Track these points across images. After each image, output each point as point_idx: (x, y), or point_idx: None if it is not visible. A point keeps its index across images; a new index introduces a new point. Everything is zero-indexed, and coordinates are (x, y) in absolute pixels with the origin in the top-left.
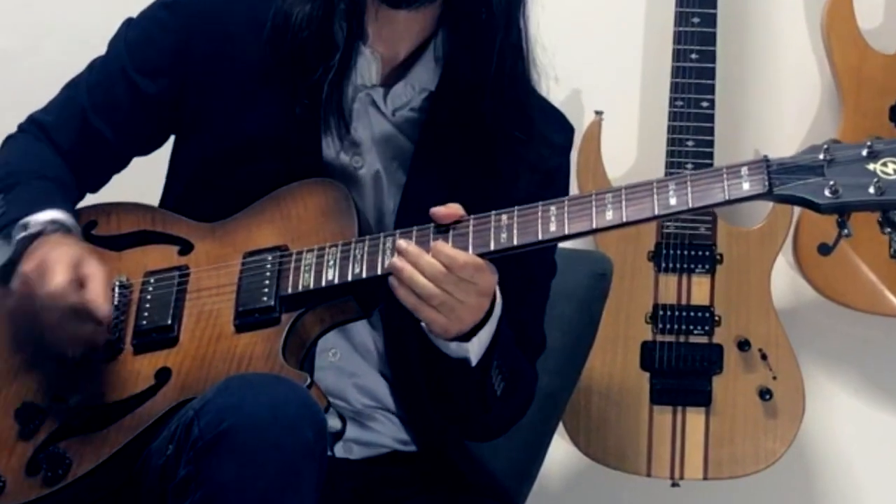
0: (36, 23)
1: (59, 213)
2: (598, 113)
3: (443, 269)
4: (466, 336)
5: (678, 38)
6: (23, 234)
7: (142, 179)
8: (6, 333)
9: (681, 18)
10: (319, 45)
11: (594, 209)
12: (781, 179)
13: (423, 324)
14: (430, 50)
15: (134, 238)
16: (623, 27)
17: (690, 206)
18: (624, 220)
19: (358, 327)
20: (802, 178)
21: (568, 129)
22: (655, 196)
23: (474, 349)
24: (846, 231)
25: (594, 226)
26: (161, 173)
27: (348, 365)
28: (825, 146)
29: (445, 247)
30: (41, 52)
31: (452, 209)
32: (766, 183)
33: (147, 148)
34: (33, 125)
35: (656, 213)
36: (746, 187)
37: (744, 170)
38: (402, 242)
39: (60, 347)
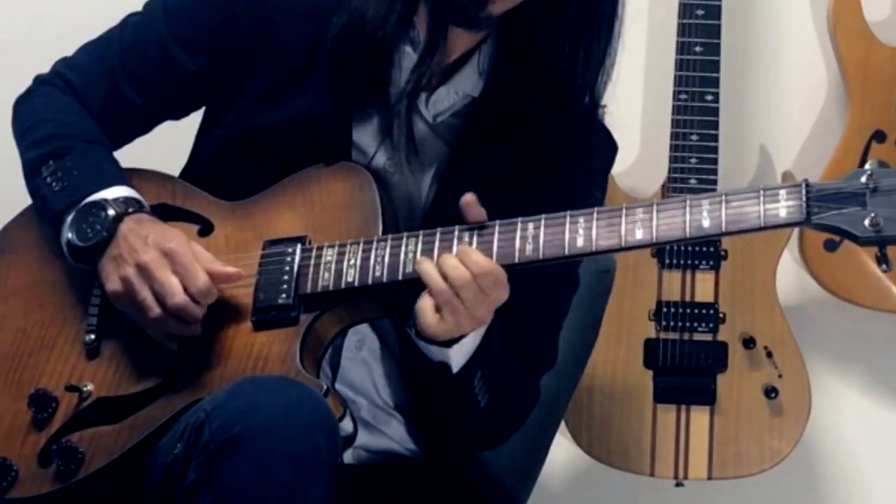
0: (30, 14)
1: (131, 191)
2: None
3: (466, 274)
4: (448, 342)
5: (682, 30)
6: (111, 212)
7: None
8: (25, 310)
9: (685, 10)
10: (390, 47)
11: (624, 226)
12: (820, 207)
13: (409, 326)
14: (473, 60)
15: (155, 213)
16: (626, 19)
17: (724, 230)
18: (654, 240)
19: (384, 322)
20: (842, 206)
21: (611, 149)
22: (688, 216)
23: (455, 356)
24: (885, 267)
25: (623, 244)
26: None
27: (374, 358)
28: (869, 171)
29: (472, 251)
30: (36, 44)
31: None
32: (804, 210)
33: (177, 115)
34: (59, 79)
35: (688, 234)
36: (783, 214)
37: (782, 193)
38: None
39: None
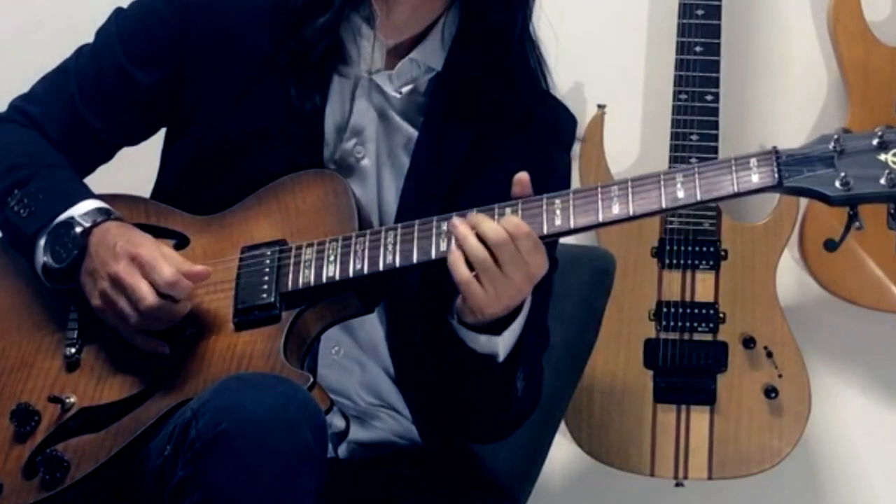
0: (25, 16)
1: (98, 203)
2: (601, 107)
3: (504, 236)
4: (497, 329)
5: (682, 30)
6: (78, 229)
7: (132, 170)
8: (1, 333)
9: (685, 10)
10: (329, 35)
11: (600, 202)
12: (791, 171)
13: (452, 317)
14: (436, 30)
15: None
16: (626, 19)
17: (699, 199)
18: (631, 213)
19: (362, 322)
20: (812, 169)
21: (571, 122)
22: (663, 189)
23: (505, 343)
24: (858, 224)
25: (600, 220)
26: (151, 164)
27: (352, 362)
28: (835, 136)
29: (513, 217)
30: (31, 46)
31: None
32: (776, 175)
33: (136, 139)
34: (16, 113)
35: (664, 206)
36: (756, 179)
37: (753, 161)
38: (474, 213)
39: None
